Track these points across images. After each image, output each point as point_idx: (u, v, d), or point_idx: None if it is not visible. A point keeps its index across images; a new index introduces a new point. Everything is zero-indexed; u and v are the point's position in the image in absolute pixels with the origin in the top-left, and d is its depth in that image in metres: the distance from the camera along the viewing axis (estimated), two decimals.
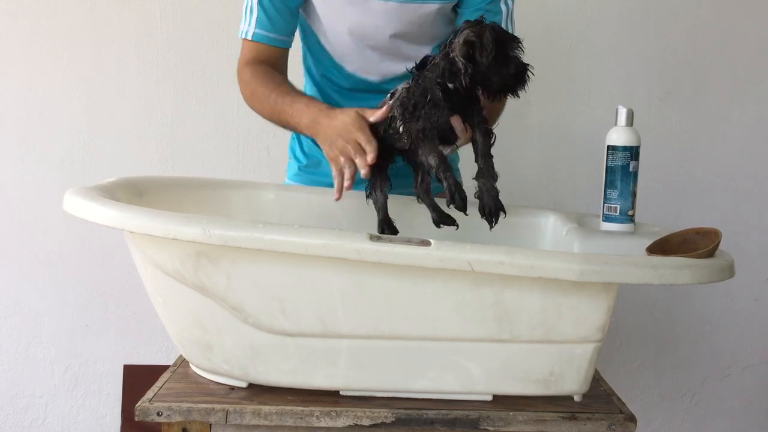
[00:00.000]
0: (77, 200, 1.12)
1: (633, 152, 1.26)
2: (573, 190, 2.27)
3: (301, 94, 1.47)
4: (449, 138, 1.23)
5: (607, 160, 1.27)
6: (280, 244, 1.03)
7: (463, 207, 1.19)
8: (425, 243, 1.04)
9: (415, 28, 1.47)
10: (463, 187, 1.20)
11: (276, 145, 2.22)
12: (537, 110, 2.27)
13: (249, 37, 1.48)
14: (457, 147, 1.26)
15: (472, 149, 1.23)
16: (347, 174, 1.30)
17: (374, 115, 1.29)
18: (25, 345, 2.30)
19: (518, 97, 1.20)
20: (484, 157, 1.21)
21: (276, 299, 1.08)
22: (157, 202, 1.26)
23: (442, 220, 1.32)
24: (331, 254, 1.03)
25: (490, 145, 1.22)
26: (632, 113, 1.28)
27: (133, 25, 2.22)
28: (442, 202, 1.28)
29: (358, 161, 1.28)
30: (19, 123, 2.24)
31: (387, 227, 1.36)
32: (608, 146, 1.27)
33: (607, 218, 1.28)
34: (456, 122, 1.21)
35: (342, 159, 1.30)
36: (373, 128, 1.29)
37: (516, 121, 2.26)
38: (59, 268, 2.27)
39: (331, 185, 1.55)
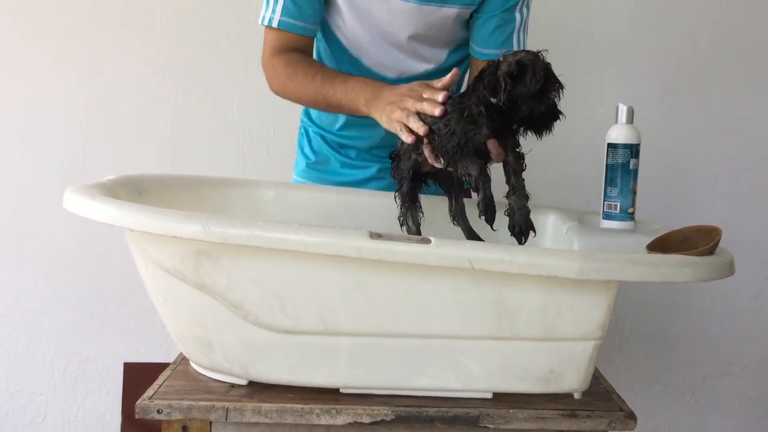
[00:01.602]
0: (77, 198, 1.12)
1: (633, 150, 1.26)
2: (573, 188, 2.27)
3: (350, 74, 1.43)
4: (482, 158, 1.23)
5: (607, 157, 1.28)
6: (280, 242, 1.03)
7: (491, 220, 1.20)
8: (425, 241, 1.04)
9: (433, 31, 1.46)
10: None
11: (276, 143, 2.23)
12: None
13: (274, 25, 1.43)
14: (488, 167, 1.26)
15: (503, 170, 1.24)
16: (413, 124, 1.24)
17: (441, 82, 1.27)
18: (26, 343, 2.30)
19: (539, 137, 1.21)
20: (517, 177, 1.23)
21: (276, 297, 1.08)
22: (157, 200, 1.26)
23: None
24: (331, 252, 1.03)
25: (523, 168, 1.23)
26: (632, 111, 1.28)
27: (133, 25, 2.22)
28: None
29: (427, 101, 1.24)
30: (19, 122, 2.24)
31: None
32: (608, 144, 1.28)
33: (607, 216, 1.28)
34: (492, 145, 1.21)
35: (405, 111, 1.25)
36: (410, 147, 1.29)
37: None
38: (59, 266, 2.27)
39: (337, 184, 1.55)
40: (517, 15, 1.47)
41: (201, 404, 1.11)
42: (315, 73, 1.41)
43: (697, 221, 1.23)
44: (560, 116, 1.19)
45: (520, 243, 1.21)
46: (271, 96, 1.53)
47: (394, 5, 1.41)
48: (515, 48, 1.47)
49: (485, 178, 1.20)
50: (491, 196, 1.20)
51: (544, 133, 1.21)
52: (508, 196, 1.22)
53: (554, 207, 1.45)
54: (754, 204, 2.32)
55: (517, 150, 1.23)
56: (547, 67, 1.19)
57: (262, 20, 1.45)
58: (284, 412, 1.11)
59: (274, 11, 1.43)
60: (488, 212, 1.19)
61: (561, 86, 1.19)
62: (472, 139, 1.20)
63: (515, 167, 1.23)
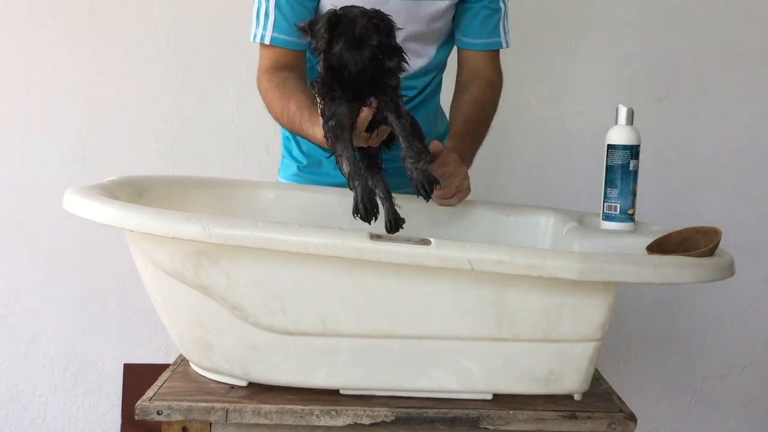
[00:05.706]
0: (77, 199, 1.12)
1: (633, 151, 1.26)
2: (573, 189, 2.27)
3: (316, 109, 1.39)
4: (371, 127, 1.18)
5: (607, 159, 1.27)
6: (280, 243, 1.03)
7: (365, 219, 1.15)
8: (425, 242, 1.04)
9: (425, 27, 1.48)
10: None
11: (276, 144, 2.21)
12: (537, 109, 2.27)
13: (267, 42, 1.42)
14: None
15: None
16: None
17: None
18: (25, 344, 2.29)
19: (378, 97, 1.16)
20: (406, 139, 1.18)
21: (276, 298, 1.08)
22: (157, 201, 1.26)
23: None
24: (331, 253, 1.03)
25: (406, 127, 1.18)
26: (632, 112, 1.28)
27: (133, 25, 2.22)
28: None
29: None
30: (19, 122, 2.24)
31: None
32: (608, 145, 1.27)
33: (607, 217, 1.28)
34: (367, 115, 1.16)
35: None
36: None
37: (516, 120, 2.26)
38: (59, 267, 2.27)
39: (332, 185, 1.55)
40: (501, 5, 1.53)
41: (201, 405, 1.11)
42: (285, 105, 1.38)
43: (697, 222, 1.23)
44: (391, 66, 1.13)
45: (427, 199, 1.19)
46: None
47: (391, 6, 1.41)
48: (501, 37, 1.53)
49: (356, 175, 1.15)
50: (365, 195, 1.15)
51: (384, 93, 1.15)
52: (403, 159, 1.18)
53: (554, 208, 1.45)
54: (753, 205, 2.32)
55: (397, 108, 1.18)
56: (365, 18, 1.14)
57: (254, 38, 1.44)
58: (284, 414, 1.11)
59: (265, 28, 1.42)
60: (359, 211, 1.15)
61: (378, 29, 1.14)
62: (343, 121, 1.16)
63: (400, 128, 1.17)
